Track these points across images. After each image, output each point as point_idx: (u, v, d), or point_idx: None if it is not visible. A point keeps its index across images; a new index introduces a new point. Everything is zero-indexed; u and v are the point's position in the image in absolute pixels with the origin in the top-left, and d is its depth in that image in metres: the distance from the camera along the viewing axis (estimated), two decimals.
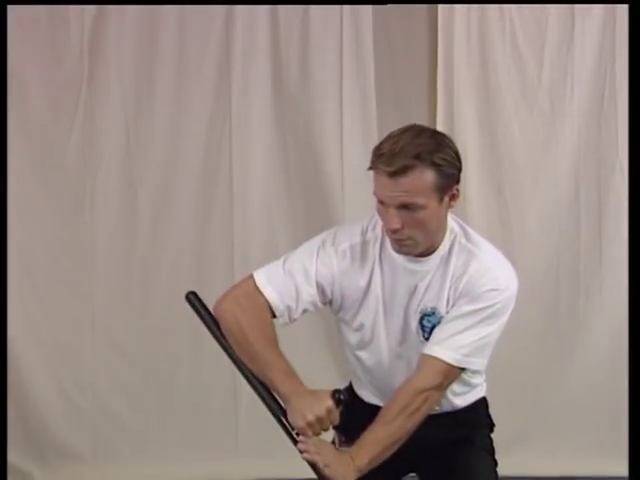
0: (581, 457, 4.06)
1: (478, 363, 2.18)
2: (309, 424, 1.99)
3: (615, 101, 4.05)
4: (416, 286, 2.16)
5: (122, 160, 4.04)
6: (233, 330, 2.14)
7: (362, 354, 2.28)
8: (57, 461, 4.03)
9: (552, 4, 4.04)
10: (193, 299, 2.25)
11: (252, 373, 2.12)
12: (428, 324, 2.16)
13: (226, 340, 2.16)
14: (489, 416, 2.43)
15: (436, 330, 2.14)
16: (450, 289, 2.15)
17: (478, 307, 2.12)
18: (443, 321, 2.14)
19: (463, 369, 2.15)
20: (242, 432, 4.14)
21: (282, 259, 2.22)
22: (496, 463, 2.37)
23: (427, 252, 2.15)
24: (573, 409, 4.11)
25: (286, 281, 2.16)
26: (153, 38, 3.98)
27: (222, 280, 4.07)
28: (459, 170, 2.10)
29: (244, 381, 4.18)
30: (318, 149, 4.08)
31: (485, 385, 2.41)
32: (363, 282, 2.18)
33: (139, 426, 4.09)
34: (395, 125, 4.04)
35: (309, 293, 2.17)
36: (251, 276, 2.20)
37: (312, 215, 4.08)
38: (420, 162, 2.00)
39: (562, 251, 4.14)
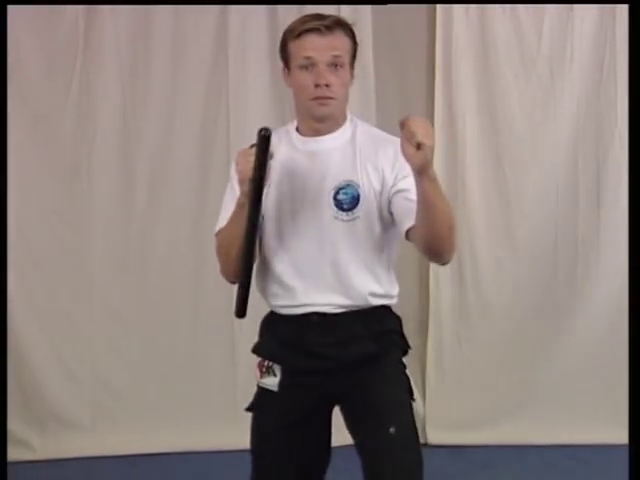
0: (580, 426, 4.08)
1: None
2: (238, 169, 2.15)
3: (615, 70, 4.04)
4: (326, 165, 2.24)
5: (119, 128, 4.03)
6: (229, 261, 2.31)
7: (291, 251, 2.29)
8: (56, 429, 4.05)
9: (552, 4, 4.02)
10: (240, 308, 2.34)
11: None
12: (344, 196, 2.22)
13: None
14: (403, 336, 2.39)
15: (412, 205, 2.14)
16: (368, 162, 2.23)
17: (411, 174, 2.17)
18: (406, 197, 2.16)
19: None
20: (240, 400, 4.11)
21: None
22: (411, 395, 2.34)
23: (330, 131, 2.27)
24: (572, 378, 4.12)
25: (223, 209, 2.32)
26: (150, 5, 3.95)
27: None
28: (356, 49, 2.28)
29: (242, 351, 4.24)
30: None
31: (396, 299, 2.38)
32: (274, 174, 2.24)
33: (138, 394, 4.11)
34: (394, 95, 4.10)
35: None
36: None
37: None
38: (342, 25, 2.22)
39: (560, 220, 4.14)
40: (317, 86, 2.19)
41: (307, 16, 2.26)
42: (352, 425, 2.30)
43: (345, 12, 3.96)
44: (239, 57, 4.02)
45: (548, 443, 4.04)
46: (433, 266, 4.07)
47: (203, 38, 4.01)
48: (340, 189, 2.22)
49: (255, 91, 4.05)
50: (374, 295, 2.27)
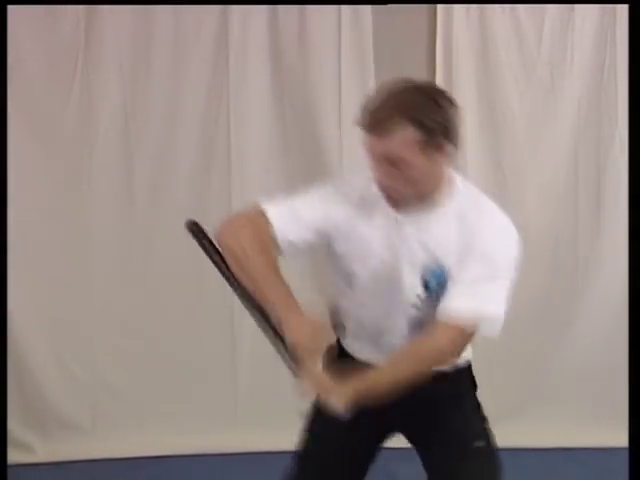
0: (580, 429, 4.08)
1: (494, 327, 2.18)
2: (301, 341, 2.01)
3: (615, 72, 4.03)
4: (420, 241, 2.14)
5: (119, 128, 4.02)
6: (235, 251, 2.13)
7: (358, 306, 2.26)
8: (57, 432, 4.05)
9: (553, 4, 4.02)
10: (194, 229, 2.23)
11: (252, 301, 2.13)
12: (433, 280, 2.14)
13: (228, 268, 2.15)
14: (474, 378, 2.43)
15: (453, 290, 2.11)
16: (458, 246, 2.13)
17: (492, 268, 2.12)
18: (457, 280, 2.11)
19: (475, 331, 2.15)
20: (241, 403, 4.16)
21: (290, 196, 2.24)
22: (486, 418, 2.37)
23: (429, 206, 2.15)
24: (572, 381, 4.13)
25: (290, 212, 2.18)
26: (150, 5, 3.95)
27: None
28: (446, 125, 2.06)
29: (243, 352, 4.23)
30: (316, 118, 4.07)
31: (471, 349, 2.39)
32: (367, 230, 2.17)
33: (138, 397, 4.11)
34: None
35: (311, 228, 2.17)
36: (256, 206, 2.20)
37: (310, 184, 4.07)
38: (401, 119, 2.00)
39: (560, 222, 4.14)
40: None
41: (369, 107, 2.06)
42: (424, 440, 2.31)
43: (345, 12, 3.98)
44: (240, 57, 4.02)
45: (548, 446, 4.04)
46: None
47: (204, 38, 4.00)
48: (430, 272, 2.15)
49: (256, 91, 4.05)
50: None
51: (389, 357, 2.16)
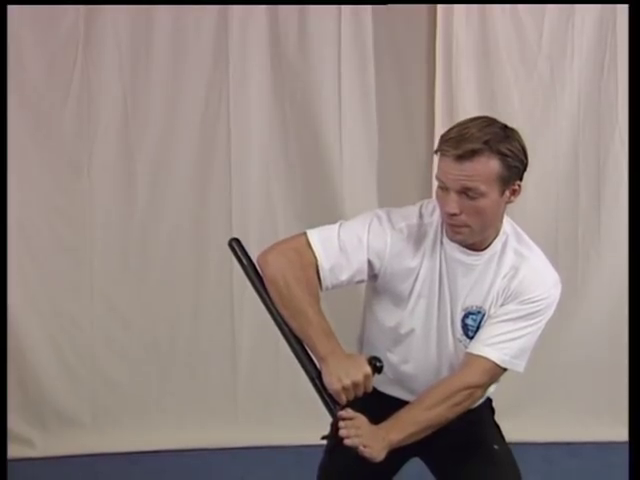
0: (581, 423, 4.08)
1: (521, 365, 2.19)
2: (344, 388, 1.95)
3: (615, 68, 4.03)
4: (466, 281, 2.15)
5: (119, 126, 4.01)
6: (278, 282, 2.07)
7: (396, 348, 2.25)
8: (57, 427, 4.04)
9: (553, 4, 4.02)
10: (236, 246, 2.19)
11: (290, 330, 2.09)
12: (472, 322, 2.16)
13: (267, 293, 2.10)
14: (492, 407, 2.47)
15: (484, 330, 2.14)
16: (499, 289, 2.15)
17: (527, 311, 2.15)
18: (490, 321, 2.14)
19: (505, 370, 2.17)
20: (241, 399, 4.16)
21: (337, 225, 2.18)
22: (499, 428, 2.41)
23: (478, 247, 2.15)
24: (572, 376, 4.13)
25: (337, 245, 2.12)
26: (150, 3, 3.95)
27: (220, 247, 4.07)
28: (524, 166, 2.09)
29: (243, 348, 4.23)
30: (316, 117, 4.06)
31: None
32: (414, 264, 2.15)
33: (138, 392, 4.11)
34: (393, 91, 4.09)
35: (358, 261, 2.12)
36: (303, 234, 2.16)
37: (310, 182, 4.08)
38: (488, 149, 1.99)
39: (561, 218, 4.14)
40: (447, 213, 2.06)
41: (453, 131, 2.05)
42: (440, 447, 2.29)
43: (345, 12, 3.98)
44: (239, 55, 4.01)
45: (548, 440, 4.04)
46: None
47: (204, 36, 3.99)
48: (470, 314, 2.16)
49: (255, 90, 4.04)
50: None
51: (420, 397, 2.16)
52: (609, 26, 4.04)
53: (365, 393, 1.98)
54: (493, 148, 2.00)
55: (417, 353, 2.23)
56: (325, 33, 4.00)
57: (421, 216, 2.19)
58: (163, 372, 4.10)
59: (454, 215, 2.04)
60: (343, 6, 3.96)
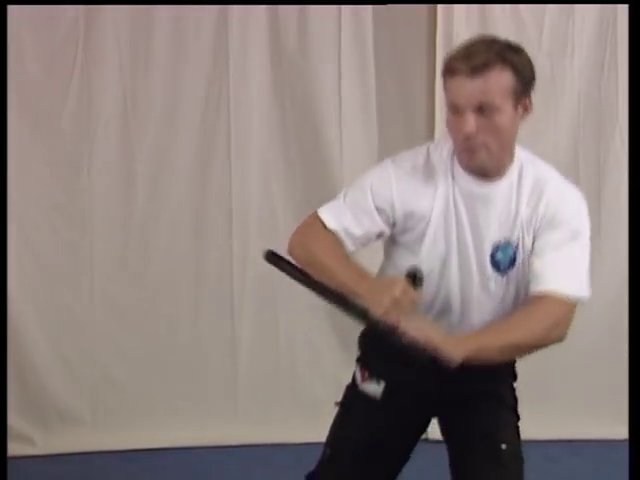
0: (581, 421, 4.08)
1: (588, 290, 2.10)
2: (387, 310, 1.89)
3: (616, 66, 4.03)
4: (487, 215, 2.08)
5: (119, 124, 4.02)
6: (305, 258, 2.10)
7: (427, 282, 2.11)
8: (57, 425, 4.05)
9: (553, 4, 4.02)
10: (273, 258, 2.12)
11: (340, 298, 2.01)
12: (502, 256, 2.08)
13: (310, 278, 2.06)
14: (515, 367, 2.37)
15: (540, 264, 2.04)
16: (526, 218, 2.07)
17: (568, 233, 2.06)
18: (540, 253, 2.04)
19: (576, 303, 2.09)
20: (241, 397, 4.16)
21: (343, 193, 2.18)
22: (518, 417, 2.32)
23: (494, 175, 2.08)
24: (573, 374, 4.12)
25: (342, 206, 2.13)
26: (150, 3, 3.94)
27: (220, 244, 4.09)
28: (534, 79, 2.04)
29: (243, 346, 4.23)
30: (317, 117, 4.07)
31: None
32: (425, 203, 2.09)
33: (138, 390, 4.11)
34: (393, 87, 4.09)
35: (365, 212, 2.10)
36: (314, 213, 2.17)
37: (310, 177, 4.08)
38: (500, 60, 1.96)
39: None
40: (461, 134, 2.01)
41: (461, 49, 2.01)
42: (455, 433, 2.26)
43: (345, 12, 3.98)
44: (239, 55, 4.01)
45: (549, 438, 4.03)
46: None
47: (204, 35, 4.00)
48: (499, 248, 2.08)
49: (256, 90, 4.05)
50: None
51: (496, 323, 2.09)
52: (609, 24, 4.04)
53: (413, 303, 1.92)
54: (506, 59, 1.96)
55: (438, 298, 2.15)
56: (325, 33, 4.00)
57: (428, 154, 2.15)
58: (163, 370, 4.10)
59: (471, 136, 1.99)
60: (343, 6, 3.97)
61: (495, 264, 2.08)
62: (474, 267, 2.10)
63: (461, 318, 2.15)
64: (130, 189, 4.06)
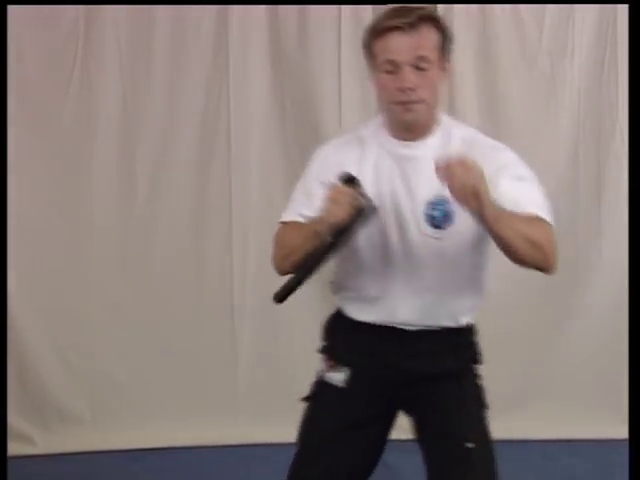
0: (581, 421, 4.08)
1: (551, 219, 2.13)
2: (327, 209, 1.98)
3: (616, 65, 4.03)
4: (419, 175, 2.12)
5: (119, 124, 4.03)
6: (283, 255, 2.18)
7: (366, 253, 2.18)
8: (57, 424, 4.05)
9: (553, 4, 4.02)
10: (283, 293, 2.12)
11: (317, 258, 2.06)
12: (438, 213, 2.10)
13: (308, 263, 2.08)
14: (478, 349, 2.35)
15: (505, 200, 2.03)
16: None
17: (517, 176, 2.12)
18: (501, 194, 2.03)
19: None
20: (241, 396, 4.15)
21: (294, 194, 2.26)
22: (486, 407, 2.30)
23: (420, 135, 2.15)
24: (572, 374, 4.12)
25: (297, 199, 2.22)
26: (150, 3, 3.95)
27: (220, 244, 4.09)
28: (452, 42, 2.14)
29: (243, 346, 4.22)
30: (317, 117, 4.07)
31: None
32: (356, 170, 2.11)
33: (138, 390, 4.11)
34: None
35: (317, 197, 2.11)
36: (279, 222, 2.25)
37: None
38: (429, 19, 2.08)
39: (561, 215, 4.09)
40: (401, 90, 2.07)
41: (391, 11, 2.12)
42: (423, 434, 2.26)
43: (345, 12, 3.98)
44: (239, 55, 4.02)
45: (548, 438, 4.04)
46: None
47: (203, 34, 4.00)
48: (433, 205, 2.10)
49: (256, 89, 4.05)
50: (460, 315, 2.22)
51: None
52: (609, 24, 4.04)
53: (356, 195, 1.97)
54: (432, 18, 2.09)
55: (380, 259, 2.17)
56: (325, 33, 4.00)
57: (357, 130, 2.22)
58: (163, 369, 4.10)
59: (411, 90, 2.06)
60: (343, 6, 3.97)
61: (431, 220, 2.11)
62: (412, 226, 2.12)
63: (410, 278, 2.16)
64: (130, 189, 4.06)
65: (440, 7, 4.02)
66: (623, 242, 3.71)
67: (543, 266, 2.08)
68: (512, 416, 4.01)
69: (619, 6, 3.97)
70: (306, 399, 2.32)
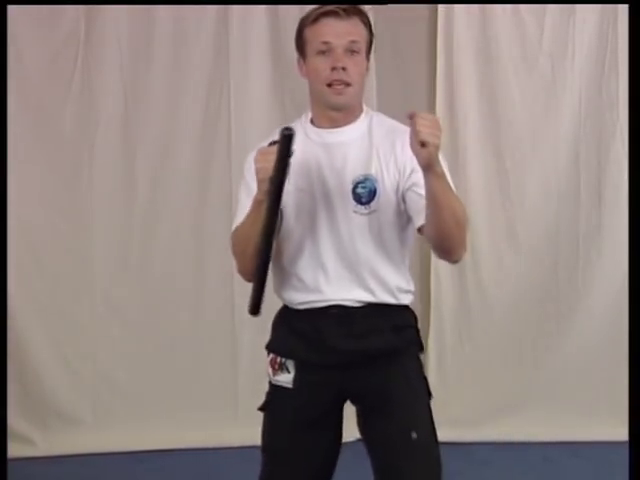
0: (581, 423, 4.08)
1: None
2: (259, 175, 2.09)
3: (616, 65, 4.03)
4: (344, 160, 2.20)
5: (120, 126, 4.03)
6: (237, 252, 2.33)
7: (298, 234, 2.25)
8: (57, 425, 4.05)
9: (553, 4, 4.02)
10: (253, 305, 2.24)
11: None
12: (362, 190, 2.18)
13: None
14: (418, 331, 2.37)
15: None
16: (383, 155, 2.20)
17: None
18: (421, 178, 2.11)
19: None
20: (242, 397, 4.15)
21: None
22: (430, 395, 2.32)
23: (346, 122, 2.23)
24: (573, 376, 4.12)
25: (240, 206, 2.30)
26: (151, 3, 3.94)
27: (220, 244, 4.07)
28: (372, 42, 2.31)
29: (244, 347, 4.22)
30: None
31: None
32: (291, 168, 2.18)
33: (139, 392, 4.11)
34: (394, 84, 4.09)
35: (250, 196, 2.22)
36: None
37: None
38: (361, 14, 2.25)
39: (562, 216, 4.14)
40: (334, 69, 2.17)
41: (324, 5, 2.26)
42: (368, 423, 2.27)
43: None
44: (240, 55, 4.03)
45: (549, 440, 4.04)
46: (434, 264, 4.07)
47: (204, 35, 4.01)
48: (358, 183, 2.18)
49: (256, 88, 4.06)
50: (396, 290, 2.24)
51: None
52: (610, 24, 4.04)
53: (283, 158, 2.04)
54: (362, 14, 2.26)
55: (316, 247, 2.23)
56: None
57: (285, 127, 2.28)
58: (164, 371, 4.10)
59: (343, 69, 2.16)
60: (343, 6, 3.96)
61: (357, 197, 2.19)
62: (339, 204, 2.20)
63: (342, 255, 2.22)
64: (130, 189, 4.06)
65: (440, 7, 4.04)
66: (623, 242, 3.72)
67: (455, 251, 2.16)
68: (512, 418, 4.02)
69: (619, 6, 3.97)
70: (262, 408, 2.33)
